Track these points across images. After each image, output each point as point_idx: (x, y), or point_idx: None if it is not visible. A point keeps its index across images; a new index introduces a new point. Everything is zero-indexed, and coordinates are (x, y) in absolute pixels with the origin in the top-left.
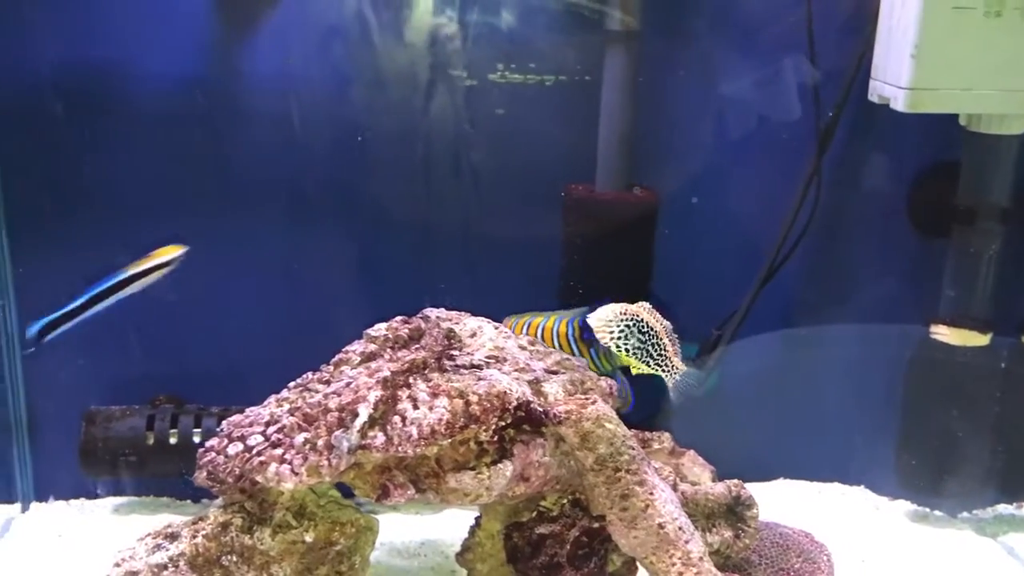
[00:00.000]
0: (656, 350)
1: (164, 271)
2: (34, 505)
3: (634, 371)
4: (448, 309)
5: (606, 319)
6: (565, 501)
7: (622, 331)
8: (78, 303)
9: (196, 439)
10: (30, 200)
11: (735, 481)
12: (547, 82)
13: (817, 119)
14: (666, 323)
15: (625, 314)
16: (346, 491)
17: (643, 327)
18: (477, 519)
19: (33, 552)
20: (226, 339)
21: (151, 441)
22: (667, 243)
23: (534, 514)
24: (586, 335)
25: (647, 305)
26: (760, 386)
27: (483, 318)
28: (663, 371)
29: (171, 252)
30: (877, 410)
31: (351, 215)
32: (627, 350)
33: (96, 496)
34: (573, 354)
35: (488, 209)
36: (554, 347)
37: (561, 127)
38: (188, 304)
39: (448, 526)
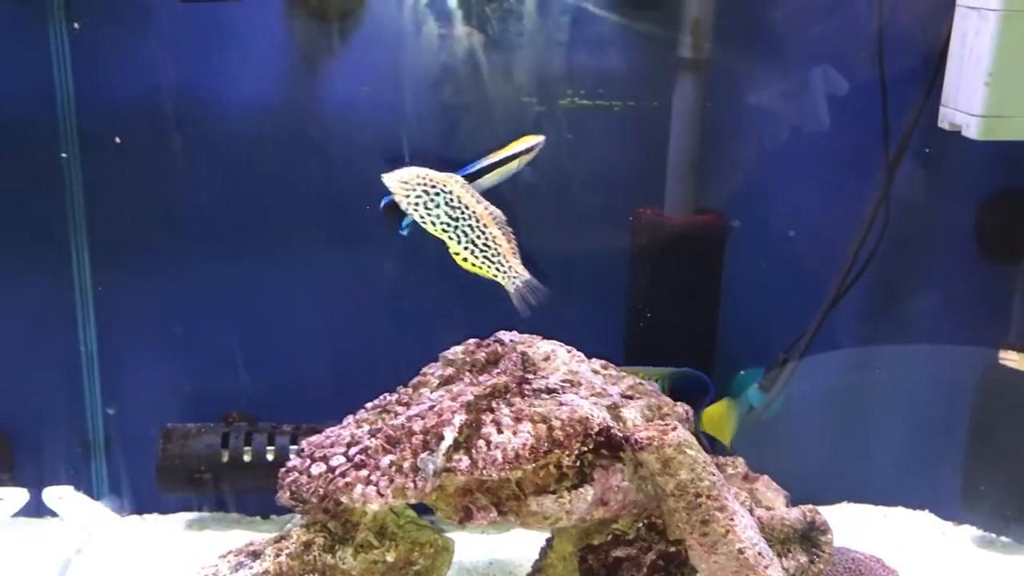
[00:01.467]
0: (481, 239)
1: (524, 159)
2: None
3: (463, 264)
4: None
5: (402, 178)
6: (641, 524)
7: (420, 196)
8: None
9: (269, 457)
10: (112, 220)
11: (809, 507)
12: (615, 107)
13: (885, 145)
14: (495, 210)
15: (426, 178)
16: (419, 508)
17: (452, 200)
18: (548, 540)
19: (110, 567)
20: (295, 356)
21: (226, 458)
22: (734, 266)
23: (608, 537)
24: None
25: (460, 179)
26: (825, 409)
27: (555, 341)
28: (498, 272)
29: (530, 140)
30: (942, 434)
31: (421, 237)
32: (433, 223)
33: (170, 511)
34: None
35: (557, 232)
36: None
37: (630, 152)
38: (258, 321)
39: (515, 546)
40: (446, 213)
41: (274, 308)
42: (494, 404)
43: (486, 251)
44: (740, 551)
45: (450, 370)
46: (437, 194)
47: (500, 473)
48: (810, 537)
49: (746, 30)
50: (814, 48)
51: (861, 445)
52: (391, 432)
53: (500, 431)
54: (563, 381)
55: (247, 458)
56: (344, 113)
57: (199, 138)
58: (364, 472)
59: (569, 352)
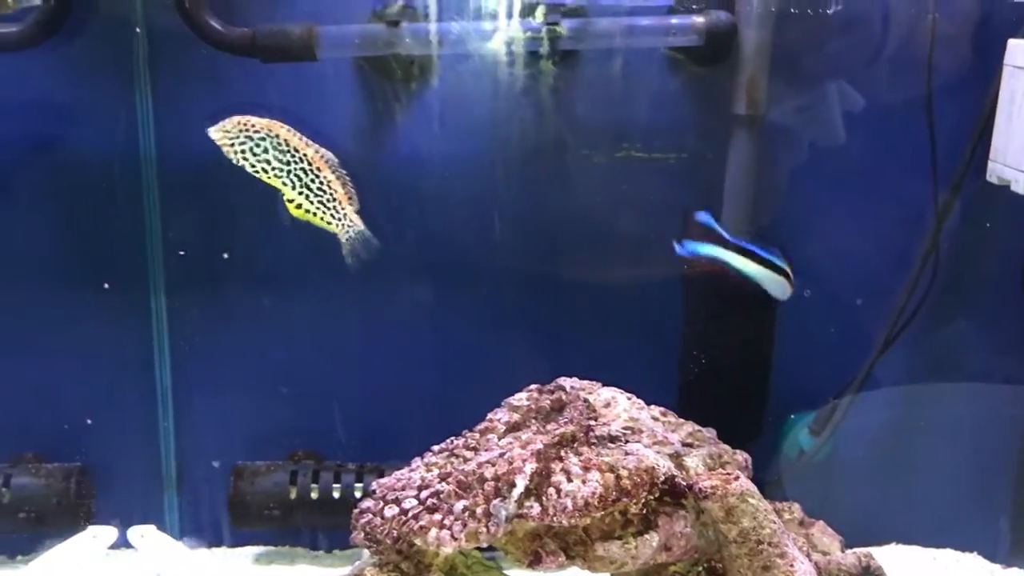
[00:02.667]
0: (316, 183)
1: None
2: None
3: (297, 212)
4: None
5: (224, 128)
6: (700, 568)
7: (244, 143)
8: (731, 241)
9: (335, 495)
10: (188, 268)
11: (865, 551)
12: (671, 160)
13: (935, 196)
14: (327, 154)
15: (247, 124)
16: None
17: (279, 144)
18: None
19: None
20: (359, 397)
21: (294, 496)
22: (786, 313)
23: None
24: None
25: (286, 125)
26: (875, 452)
27: (615, 388)
28: (333, 219)
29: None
30: (991, 477)
31: (481, 283)
32: (264, 170)
33: (238, 544)
34: None
35: (613, 280)
36: None
37: (684, 203)
38: (324, 363)
39: None
40: (276, 158)
41: (339, 350)
42: (563, 453)
43: (321, 196)
44: None
45: (516, 416)
46: (262, 139)
47: (570, 520)
48: None
49: (800, 87)
50: (865, 103)
51: (910, 487)
52: (462, 477)
53: (570, 480)
54: (625, 428)
55: (314, 495)
56: (414, 167)
57: (271, 191)
58: (438, 516)
59: (629, 399)
